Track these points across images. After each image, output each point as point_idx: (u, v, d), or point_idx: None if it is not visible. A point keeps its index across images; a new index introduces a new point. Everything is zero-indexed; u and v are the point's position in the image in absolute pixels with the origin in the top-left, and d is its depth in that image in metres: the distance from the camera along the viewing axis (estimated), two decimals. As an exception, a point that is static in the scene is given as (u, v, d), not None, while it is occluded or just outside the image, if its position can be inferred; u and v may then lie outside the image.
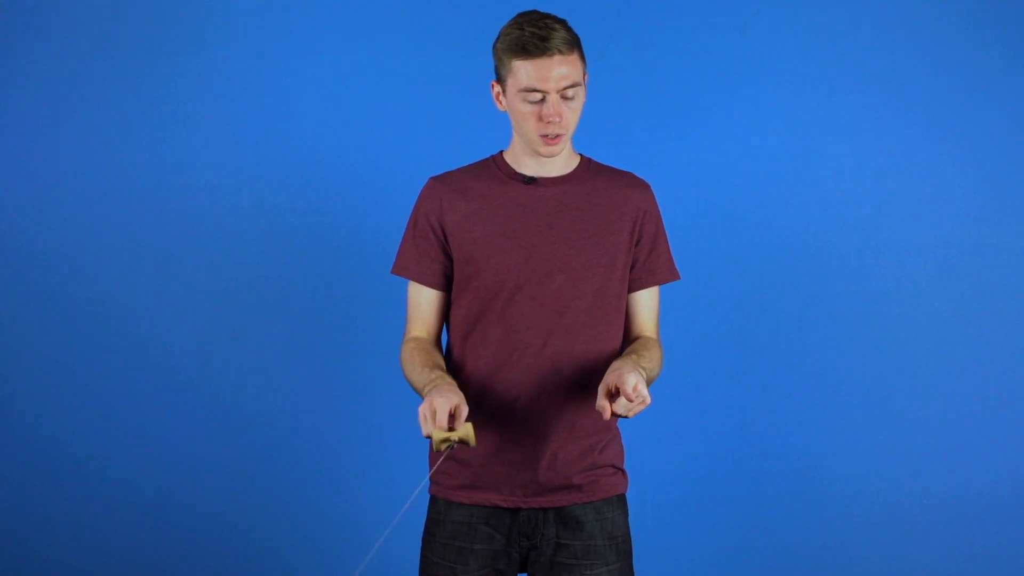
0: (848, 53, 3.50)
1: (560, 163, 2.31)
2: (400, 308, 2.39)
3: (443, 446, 2.04)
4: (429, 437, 2.05)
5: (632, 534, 2.36)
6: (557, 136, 2.22)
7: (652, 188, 2.36)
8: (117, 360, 3.52)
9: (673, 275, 2.37)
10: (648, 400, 2.06)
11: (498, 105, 2.27)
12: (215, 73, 3.50)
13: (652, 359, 2.24)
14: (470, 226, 2.27)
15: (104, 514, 3.53)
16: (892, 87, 3.49)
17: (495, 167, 2.32)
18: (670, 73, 3.52)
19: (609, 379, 2.09)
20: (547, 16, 2.21)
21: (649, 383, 2.18)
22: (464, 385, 2.26)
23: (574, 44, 2.20)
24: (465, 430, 2.05)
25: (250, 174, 3.51)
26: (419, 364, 2.23)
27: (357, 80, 3.52)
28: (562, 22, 2.22)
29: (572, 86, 2.19)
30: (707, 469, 3.52)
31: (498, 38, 2.23)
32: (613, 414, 2.06)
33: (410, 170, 2.43)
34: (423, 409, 2.06)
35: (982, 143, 3.48)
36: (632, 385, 2.04)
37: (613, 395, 2.08)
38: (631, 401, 2.04)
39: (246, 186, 3.50)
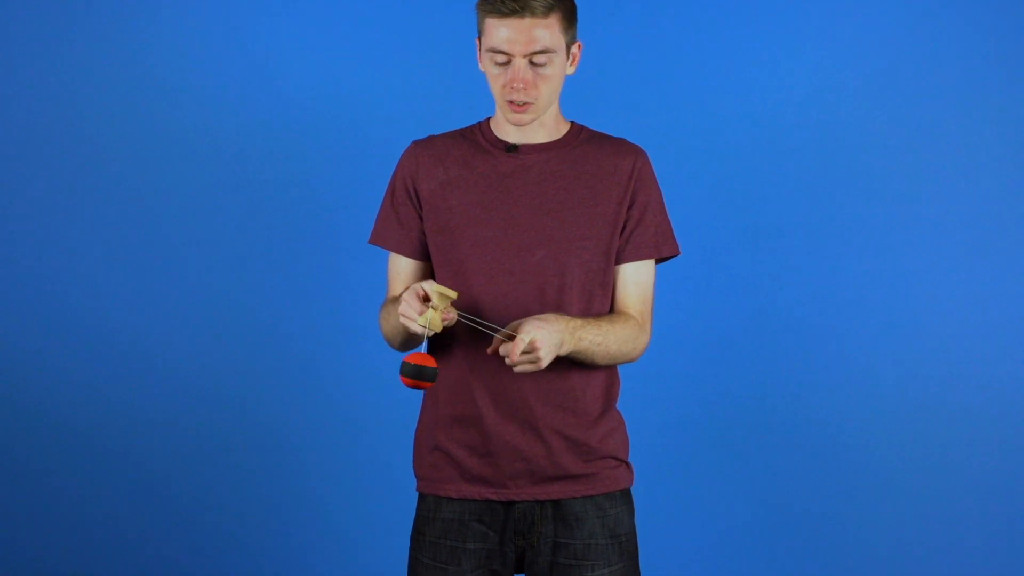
0: (873, 22, 3.49)
1: (546, 130, 2.23)
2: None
3: (438, 320, 2.02)
4: (424, 330, 2.02)
5: (638, 532, 2.28)
6: (525, 104, 2.14)
7: (648, 155, 2.26)
8: (103, 349, 3.54)
9: (663, 250, 2.25)
10: (541, 363, 2.01)
11: (479, 64, 2.20)
12: (198, 45, 3.55)
13: (609, 330, 2.15)
14: (446, 194, 2.21)
15: (99, 511, 3.55)
16: (921, 56, 3.49)
17: (479, 133, 2.27)
18: (683, 41, 3.53)
19: (520, 323, 2.04)
20: None
21: (596, 354, 2.14)
22: (444, 367, 2.20)
23: (554, 8, 2.10)
24: (436, 300, 2.02)
25: (232, 146, 3.56)
26: (391, 306, 2.20)
27: (346, 45, 3.55)
28: None
29: (542, 52, 2.09)
30: (718, 462, 3.52)
31: None
32: (498, 352, 2.03)
33: (401, 139, 2.43)
34: (402, 310, 2.03)
35: (1014, 115, 3.48)
36: (524, 340, 1.99)
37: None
38: (515, 352, 2.00)
39: (227, 158, 3.56)
